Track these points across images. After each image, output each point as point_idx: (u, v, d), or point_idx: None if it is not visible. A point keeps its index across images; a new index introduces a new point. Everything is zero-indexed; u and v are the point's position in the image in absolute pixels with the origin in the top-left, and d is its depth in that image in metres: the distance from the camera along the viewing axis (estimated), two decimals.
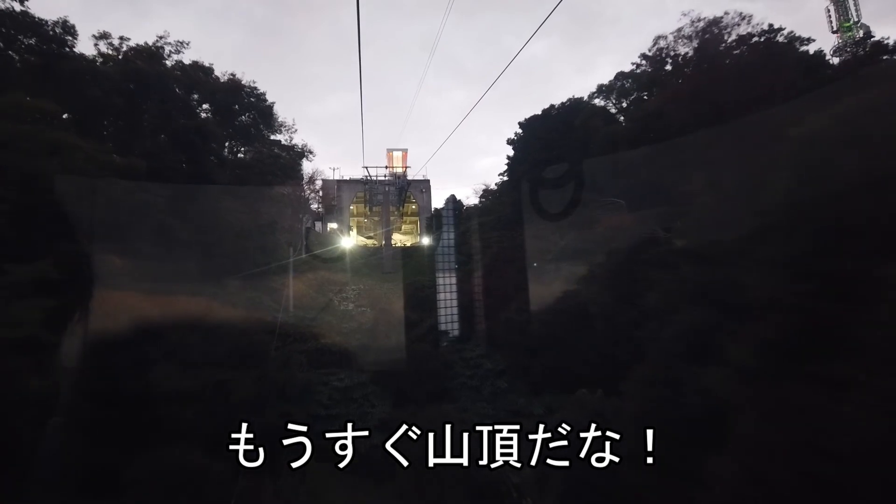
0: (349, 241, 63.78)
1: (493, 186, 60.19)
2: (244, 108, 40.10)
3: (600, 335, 24.47)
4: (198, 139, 31.21)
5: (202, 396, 21.38)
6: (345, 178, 69.78)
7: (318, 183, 68.31)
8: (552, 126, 38.88)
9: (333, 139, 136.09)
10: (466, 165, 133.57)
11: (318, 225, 72.05)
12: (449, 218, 56.33)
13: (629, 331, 22.95)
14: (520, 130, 43.03)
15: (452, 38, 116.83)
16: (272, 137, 46.03)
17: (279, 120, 44.13)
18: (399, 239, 73.24)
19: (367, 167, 61.21)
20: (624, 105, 34.88)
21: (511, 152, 44.37)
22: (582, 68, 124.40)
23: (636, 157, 28.55)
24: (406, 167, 64.54)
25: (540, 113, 41.26)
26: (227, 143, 43.43)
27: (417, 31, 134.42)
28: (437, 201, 70.62)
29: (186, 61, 37.03)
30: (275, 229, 44.45)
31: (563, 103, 40.13)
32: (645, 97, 34.24)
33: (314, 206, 72.07)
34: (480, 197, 63.09)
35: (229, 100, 38.29)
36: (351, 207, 72.33)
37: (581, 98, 39.72)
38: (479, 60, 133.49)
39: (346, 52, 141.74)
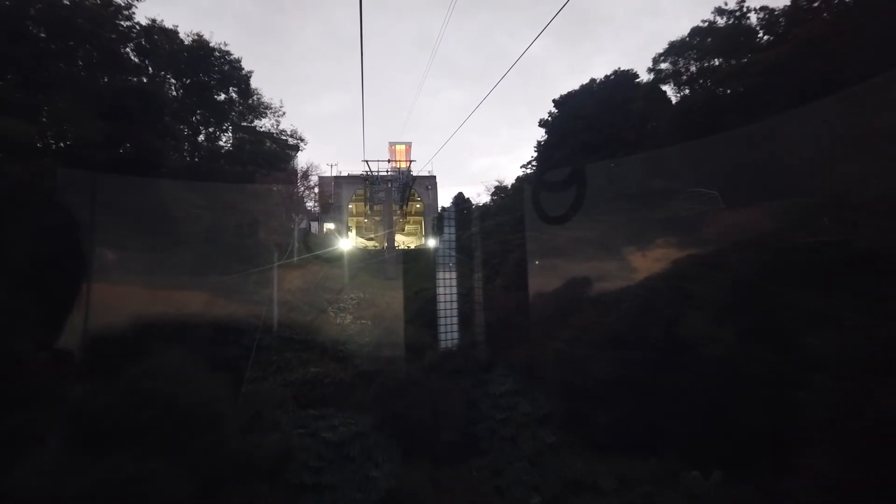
0: (347, 243, 55.37)
1: (506, 183, 52.02)
2: (220, 83, 31.09)
3: (715, 387, 15.89)
4: (137, 108, 22.31)
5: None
6: (343, 174, 61.17)
7: (314, 179, 59.44)
8: (596, 103, 30.38)
9: (330, 139, 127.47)
10: (462, 166, 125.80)
11: (315, 225, 63.53)
12: (451, 219, 48.30)
13: (771, 385, 14.42)
14: (554, 110, 34.41)
15: (447, 36, 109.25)
16: (257, 123, 37.11)
17: (263, 100, 35.32)
18: (402, 240, 64.68)
19: (367, 161, 52.48)
20: (694, 69, 26.28)
21: (543, 136, 35.59)
22: (577, 68, 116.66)
23: (733, 131, 20.21)
24: (410, 161, 55.81)
25: (578, 88, 32.75)
26: (201, 128, 34.62)
27: (410, 28, 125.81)
28: (443, 200, 62.42)
29: (145, 22, 28.36)
30: (257, 230, 35.77)
31: (607, 76, 31.62)
32: (715, 63, 25.67)
33: (309, 204, 63.30)
34: (492, 194, 54.79)
35: (194, 66, 29.42)
36: (350, 206, 63.65)
37: (628, 70, 31.35)
38: (473, 59, 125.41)
39: (340, 51, 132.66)
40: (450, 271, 40.58)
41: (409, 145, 61.43)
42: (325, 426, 23.83)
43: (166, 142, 24.61)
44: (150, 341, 21.15)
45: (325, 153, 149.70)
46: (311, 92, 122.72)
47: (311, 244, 50.83)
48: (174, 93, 32.08)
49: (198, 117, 34.20)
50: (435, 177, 60.23)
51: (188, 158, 34.36)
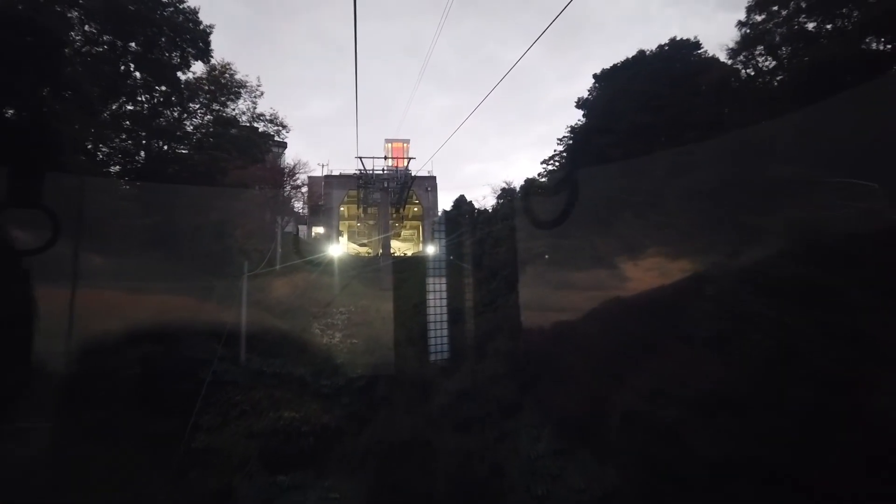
0: (338, 249, 48.35)
1: (514, 185, 45.50)
2: (172, 42, 23.54)
3: None
4: (19, 49, 14.91)
5: None
6: (334, 173, 54.05)
7: (303, 178, 52.01)
8: (649, 78, 23.50)
9: (320, 144, 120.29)
10: (451, 173, 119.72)
11: (303, 229, 56.28)
12: (451, 224, 41.98)
13: None
14: (595, 85, 27.35)
15: (435, 42, 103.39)
16: (231, 105, 29.94)
17: (237, 77, 28.20)
18: (398, 247, 57.68)
19: (361, 158, 45.31)
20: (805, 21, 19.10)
21: (578, 121, 28.47)
22: (566, 75, 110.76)
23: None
24: (409, 158, 48.73)
25: (625, 61, 25.65)
26: (161, 109, 27.52)
27: (398, 33, 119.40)
28: (441, 204, 55.38)
29: None
30: (225, 233, 28.61)
31: (661, 46, 24.74)
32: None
33: (299, 204, 55.88)
34: (499, 197, 48.05)
35: (139, 21, 21.90)
36: (341, 209, 56.50)
37: (686, 39, 24.33)
38: (461, 64, 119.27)
39: (329, 57, 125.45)
40: (448, 283, 34.23)
41: (406, 143, 54.60)
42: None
43: (78, 104, 17.28)
44: (34, 395, 14.12)
45: (316, 157, 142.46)
46: (300, 97, 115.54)
47: (297, 250, 44.03)
48: (124, 66, 25.03)
49: (156, 97, 27.23)
50: (435, 177, 53.37)
51: (145, 144, 27.44)
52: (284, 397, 22.34)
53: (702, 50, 23.90)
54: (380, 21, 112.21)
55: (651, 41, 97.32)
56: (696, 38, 23.81)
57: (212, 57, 25.15)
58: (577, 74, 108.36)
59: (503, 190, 46.76)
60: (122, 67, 25.23)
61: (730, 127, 18.80)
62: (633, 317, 17.42)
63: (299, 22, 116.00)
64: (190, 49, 24.03)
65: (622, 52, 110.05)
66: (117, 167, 27.02)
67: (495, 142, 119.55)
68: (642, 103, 22.61)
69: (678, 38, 24.44)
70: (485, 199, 49.14)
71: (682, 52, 24.13)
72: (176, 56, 24.08)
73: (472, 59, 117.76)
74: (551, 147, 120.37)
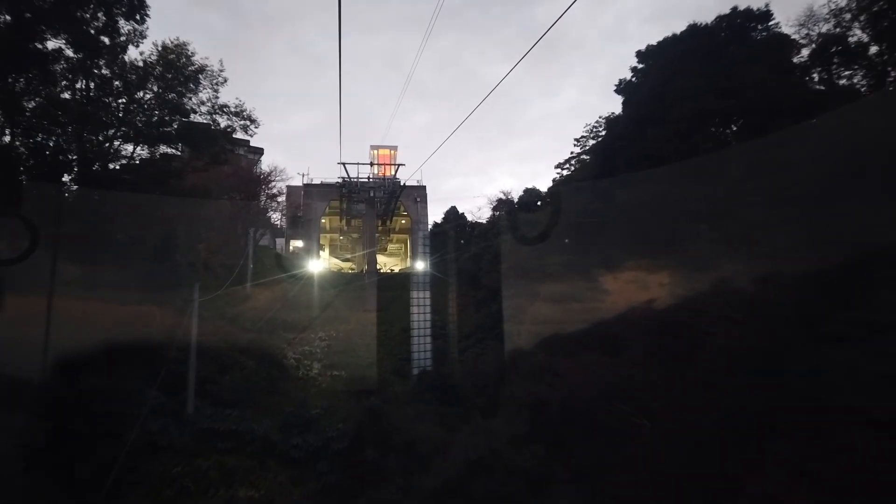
0: (319, 265, 42.65)
1: (513, 195, 40.73)
2: None
3: None
4: None
5: None
6: (314, 181, 48.12)
7: (280, 186, 45.84)
8: (715, 54, 18.09)
9: (299, 158, 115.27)
10: (431, 187, 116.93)
11: (281, 243, 50.18)
12: (429, 239, 37.55)
13: None
14: (639, 65, 21.65)
15: (414, 56, 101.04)
16: (189, 97, 24.01)
17: (194, 59, 22.40)
18: (384, 262, 51.93)
19: (344, 164, 39.56)
20: None
21: (619, 108, 22.86)
22: (545, 91, 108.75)
23: None
24: (398, 165, 43.02)
25: (671, 37, 20.23)
26: (101, 96, 21.75)
27: (378, 46, 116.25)
28: (432, 215, 49.88)
29: None
30: (178, 247, 22.57)
31: (720, 17, 19.12)
32: None
33: (276, 216, 49.64)
34: (494, 209, 43.17)
35: None
36: (323, 221, 50.37)
37: (752, 10, 19.12)
38: (439, 79, 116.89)
39: (310, 71, 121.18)
40: (436, 303, 29.62)
41: (394, 149, 48.99)
42: None
43: None
44: None
45: (297, 169, 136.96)
46: (282, 111, 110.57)
47: (274, 265, 38.36)
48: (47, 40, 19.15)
49: (94, 82, 21.49)
50: (425, 187, 47.86)
51: (80, 140, 21.58)
52: (241, 466, 16.35)
53: (772, 21, 18.80)
54: (361, 36, 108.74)
55: (628, 58, 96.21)
56: (766, 5, 18.81)
57: (147, 16, 19.14)
58: (557, 90, 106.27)
59: (500, 201, 41.76)
60: (45, 42, 19.33)
61: (835, 109, 13.71)
62: (733, 369, 11.96)
63: (279, 36, 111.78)
64: (118, 5, 18.06)
65: (605, 66, 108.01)
66: (45, 169, 21.25)
67: (475, 156, 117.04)
68: (707, 85, 17.34)
69: (738, 9, 19.35)
70: (480, 211, 43.90)
71: (747, 25, 19.04)
72: (101, 15, 17.97)
73: (452, 73, 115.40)
74: (533, 161, 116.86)
